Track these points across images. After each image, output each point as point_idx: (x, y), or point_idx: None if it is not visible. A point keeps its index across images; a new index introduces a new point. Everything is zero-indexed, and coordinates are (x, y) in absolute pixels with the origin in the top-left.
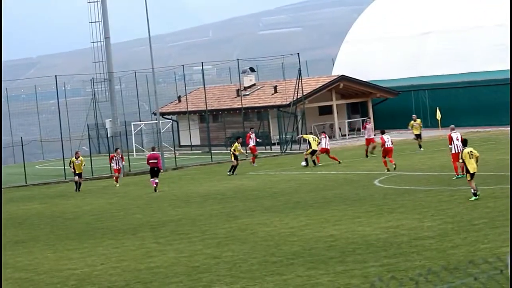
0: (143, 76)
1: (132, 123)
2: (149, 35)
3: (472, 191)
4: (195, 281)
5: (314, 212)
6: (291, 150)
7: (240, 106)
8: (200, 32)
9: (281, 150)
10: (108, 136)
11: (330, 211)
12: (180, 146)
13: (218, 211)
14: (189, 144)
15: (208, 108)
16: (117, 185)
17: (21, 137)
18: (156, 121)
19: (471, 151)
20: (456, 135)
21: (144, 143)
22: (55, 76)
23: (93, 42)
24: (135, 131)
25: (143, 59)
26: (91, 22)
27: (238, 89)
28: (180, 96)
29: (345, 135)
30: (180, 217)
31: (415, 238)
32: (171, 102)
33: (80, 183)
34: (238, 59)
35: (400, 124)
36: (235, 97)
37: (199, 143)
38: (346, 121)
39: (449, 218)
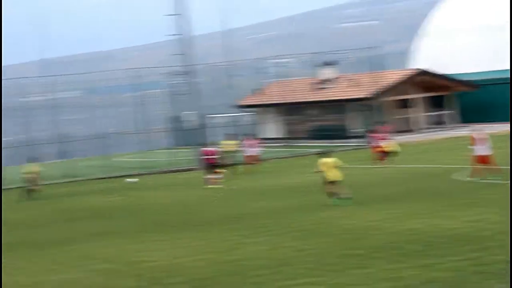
0: (222, 69)
1: (211, 115)
2: (227, 27)
3: (342, 196)
4: (277, 274)
5: (396, 206)
6: (370, 143)
7: (319, 99)
8: (279, 25)
9: (360, 143)
10: (187, 129)
11: (412, 204)
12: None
13: (299, 203)
14: (268, 137)
15: (287, 101)
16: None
17: (101, 130)
18: (236, 114)
19: (327, 162)
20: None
21: (222, 136)
22: (134, 68)
23: (172, 35)
24: (214, 123)
25: (222, 52)
26: (170, 15)
27: (317, 83)
28: (259, 89)
29: (423, 129)
30: (262, 210)
31: (499, 232)
32: (250, 95)
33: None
34: (316, 52)
35: (483, 117)
36: (314, 90)
37: (278, 136)
38: (425, 114)
39: None
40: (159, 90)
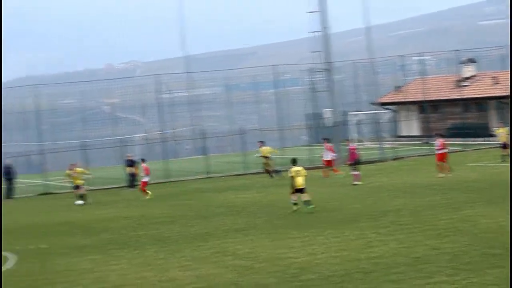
0: (362, 66)
1: (351, 113)
2: (368, 24)
3: (293, 201)
4: (415, 272)
5: None
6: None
7: (459, 97)
8: (420, 22)
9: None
10: (327, 126)
11: None
12: (399, 136)
13: (438, 202)
14: (408, 134)
15: (427, 99)
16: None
17: (240, 126)
18: (375, 111)
19: (298, 170)
20: None
21: (363, 133)
22: (274, 65)
23: (312, 32)
24: (354, 121)
25: (362, 49)
26: (310, 12)
27: (458, 80)
28: (399, 86)
29: None
30: (400, 207)
31: None
32: (390, 93)
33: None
34: (457, 50)
35: None
36: (454, 88)
37: (418, 134)
38: None
39: None
40: (299, 87)
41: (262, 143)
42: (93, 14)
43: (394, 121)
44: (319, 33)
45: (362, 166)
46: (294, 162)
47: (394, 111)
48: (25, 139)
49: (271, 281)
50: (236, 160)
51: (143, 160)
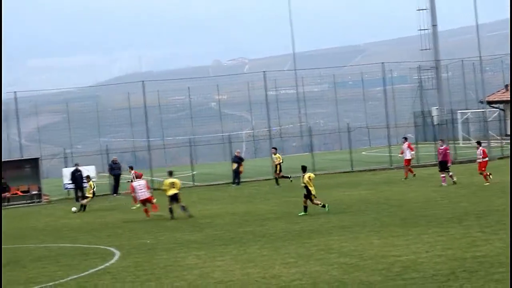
0: (470, 64)
1: (459, 111)
2: (477, 22)
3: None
4: None
5: None
6: None
7: None
8: None
9: None
10: (434, 124)
11: None
12: (506, 135)
13: None
14: None
15: None
16: None
17: (347, 123)
18: (483, 110)
19: (309, 176)
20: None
21: (470, 132)
22: (382, 63)
23: (421, 30)
24: (462, 119)
25: (470, 47)
26: (419, 10)
27: None
28: (507, 85)
29: None
30: (506, 206)
31: None
32: (498, 91)
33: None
34: None
35: None
36: None
37: None
38: None
39: None
40: (407, 85)
41: (276, 149)
42: (200, 12)
43: (502, 120)
44: (428, 30)
45: (469, 165)
46: (304, 170)
47: (502, 109)
48: (133, 135)
49: (375, 279)
50: (342, 158)
51: (131, 168)
